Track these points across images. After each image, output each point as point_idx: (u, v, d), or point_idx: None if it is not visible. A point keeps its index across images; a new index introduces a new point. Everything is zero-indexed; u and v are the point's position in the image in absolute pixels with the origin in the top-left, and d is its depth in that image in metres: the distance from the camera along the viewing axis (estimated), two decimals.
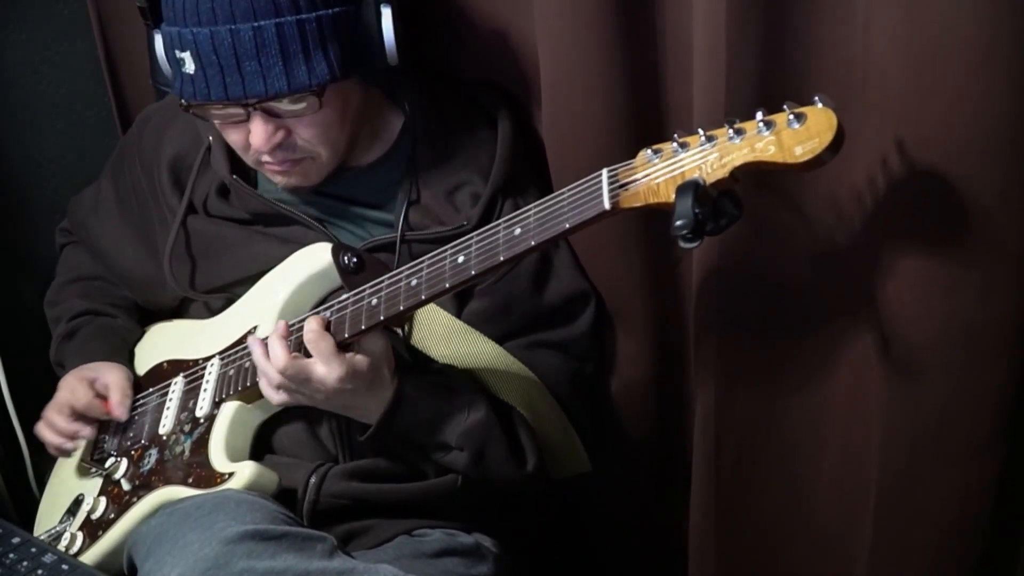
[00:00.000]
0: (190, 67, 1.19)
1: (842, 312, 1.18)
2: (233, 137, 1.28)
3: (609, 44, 1.19)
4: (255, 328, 1.30)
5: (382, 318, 1.16)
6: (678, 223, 0.95)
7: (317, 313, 1.22)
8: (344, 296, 1.21)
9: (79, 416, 1.38)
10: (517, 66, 1.37)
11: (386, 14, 1.23)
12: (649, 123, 1.24)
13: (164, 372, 1.40)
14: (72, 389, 1.38)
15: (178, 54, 1.19)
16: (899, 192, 1.06)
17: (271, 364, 1.18)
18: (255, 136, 1.23)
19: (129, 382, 1.40)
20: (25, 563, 1.17)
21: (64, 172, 1.83)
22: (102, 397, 1.38)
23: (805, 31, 1.06)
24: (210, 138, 1.38)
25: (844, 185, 1.10)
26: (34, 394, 1.44)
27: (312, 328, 1.18)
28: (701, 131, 1.01)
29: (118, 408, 1.37)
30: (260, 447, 1.30)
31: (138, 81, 1.78)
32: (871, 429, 1.18)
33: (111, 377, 1.39)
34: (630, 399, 1.43)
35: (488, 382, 1.30)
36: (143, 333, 1.50)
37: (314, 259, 1.28)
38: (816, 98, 0.96)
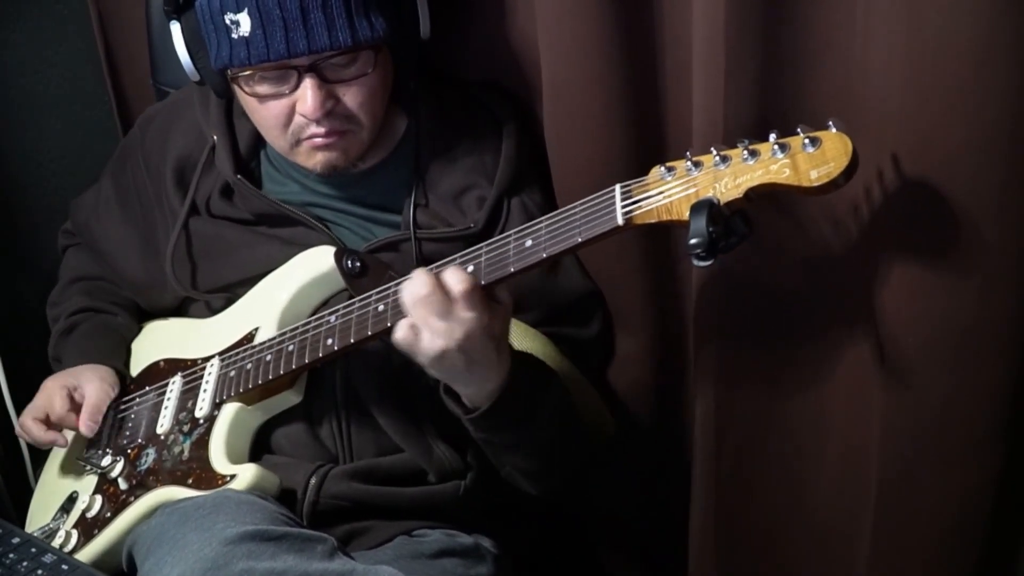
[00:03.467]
0: (245, 28, 1.19)
1: (842, 312, 1.18)
2: (273, 112, 1.26)
3: (609, 44, 1.19)
4: (256, 330, 1.30)
5: (388, 324, 1.16)
6: (693, 241, 0.97)
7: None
8: (350, 301, 1.21)
9: (54, 424, 1.37)
10: (520, 67, 1.37)
11: None
12: (649, 123, 1.23)
13: (161, 371, 1.40)
14: (50, 396, 1.37)
15: (230, 18, 1.20)
16: (898, 192, 1.05)
17: (415, 289, 1.09)
18: (306, 102, 1.22)
19: (109, 395, 1.38)
20: (25, 563, 1.16)
21: (64, 172, 1.83)
22: (79, 407, 1.37)
23: (804, 31, 1.06)
24: (215, 137, 1.38)
25: (844, 185, 1.09)
26: (34, 394, 1.43)
27: (457, 271, 1.10)
28: (715, 151, 1.01)
29: (84, 425, 1.35)
30: (258, 447, 1.29)
31: (139, 80, 1.78)
32: (871, 429, 1.18)
33: (90, 388, 1.38)
34: (630, 399, 1.43)
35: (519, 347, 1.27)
36: (141, 330, 1.50)
37: (317, 262, 1.28)
38: (830, 123, 0.97)
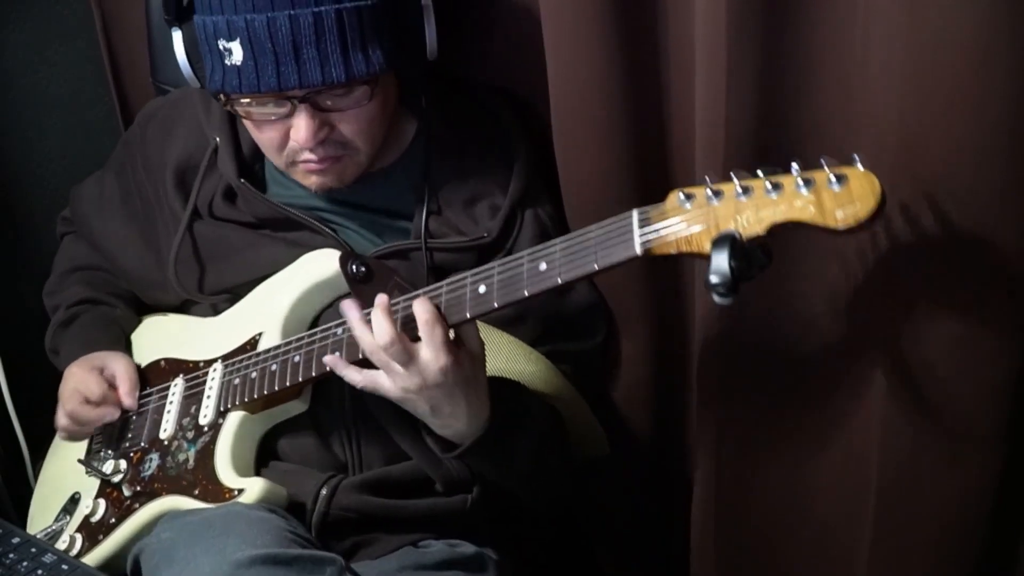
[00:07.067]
0: (238, 57, 1.16)
1: (842, 312, 1.18)
2: (268, 135, 1.24)
3: (613, 48, 1.19)
4: (259, 335, 1.28)
5: None
6: (714, 280, 0.93)
7: (424, 294, 1.13)
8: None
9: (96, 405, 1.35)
10: (528, 74, 1.36)
11: (427, 7, 1.23)
12: (652, 124, 1.23)
13: (162, 371, 1.38)
14: (83, 380, 1.35)
15: (223, 45, 1.17)
16: (898, 191, 1.05)
17: (374, 339, 1.10)
18: (299, 131, 1.20)
19: (135, 370, 1.38)
20: (25, 563, 1.16)
21: (64, 172, 1.83)
22: (112, 386, 1.36)
23: (805, 31, 1.06)
24: (217, 139, 1.36)
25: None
26: (34, 394, 1.44)
27: (429, 309, 1.10)
28: (735, 178, 0.97)
29: (127, 398, 1.34)
30: (264, 453, 1.27)
31: (140, 80, 1.78)
32: (871, 429, 1.18)
33: (117, 366, 1.37)
34: (631, 401, 1.43)
35: (512, 373, 1.27)
36: (140, 323, 1.48)
37: (321, 266, 1.26)
38: (855, 157, 0.94)
